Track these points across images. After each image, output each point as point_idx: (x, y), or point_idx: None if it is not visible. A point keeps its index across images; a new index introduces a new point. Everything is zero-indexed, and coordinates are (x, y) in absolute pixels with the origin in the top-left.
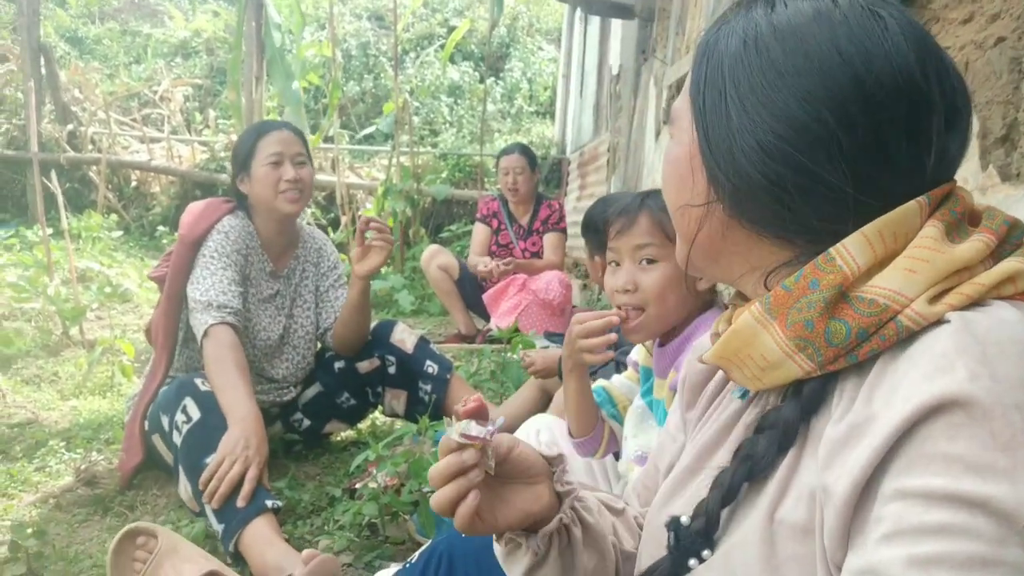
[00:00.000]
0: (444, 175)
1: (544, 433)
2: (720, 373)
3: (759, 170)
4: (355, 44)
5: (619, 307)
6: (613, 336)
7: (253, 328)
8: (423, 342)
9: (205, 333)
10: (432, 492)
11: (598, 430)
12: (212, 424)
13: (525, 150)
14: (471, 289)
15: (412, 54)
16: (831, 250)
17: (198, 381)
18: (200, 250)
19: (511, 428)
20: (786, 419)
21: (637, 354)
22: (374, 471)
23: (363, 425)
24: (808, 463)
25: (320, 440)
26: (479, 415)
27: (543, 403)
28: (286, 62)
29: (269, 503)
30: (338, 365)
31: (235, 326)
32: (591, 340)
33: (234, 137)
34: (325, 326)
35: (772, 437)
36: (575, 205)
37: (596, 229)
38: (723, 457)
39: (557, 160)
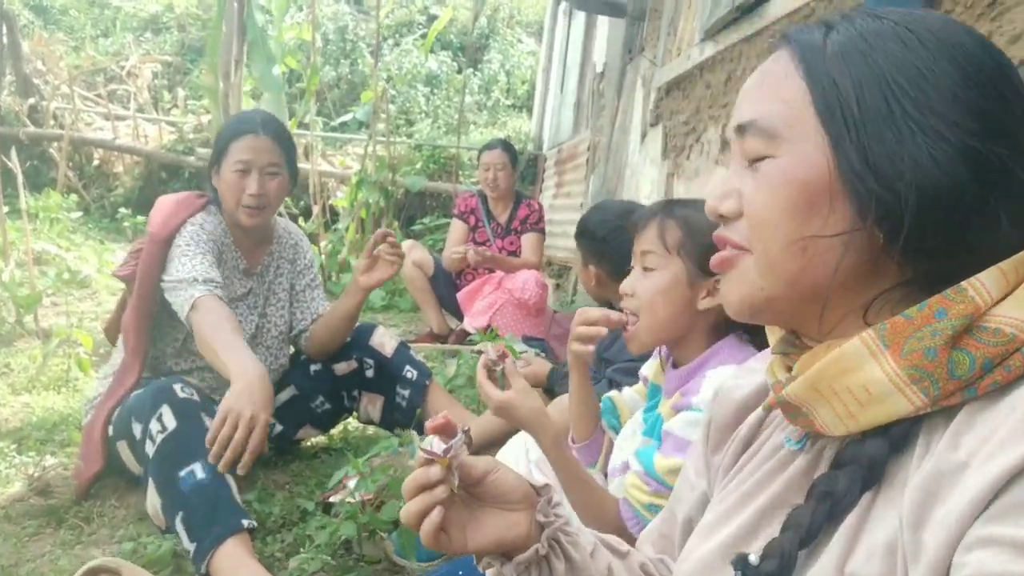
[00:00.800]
0: (418, 166)
1: (535, 451)
2: (753, 418)
3: (948, 178)
4: (333, 28)
5: (623, 311)
6: (603, 330)
7: None
8: (403, 347)
9: (193, 306)
10: None
11: (597, 438)
12: (188, 434)
13: (507, 146)
14: (445, 287)
15: (390, 41)
16: (963, 283)
17: (176, 387)
18: (175, 242)
19: (493, 440)
20: (871, 455)
21: (648, 369)
22: (349, 484)
23: (335, 431)
24: (882, 511)
25: (290, 446)
26: (445, 431)
27: None
28: (267, 45)
29: (245, 522)
30: (314, 368)
31: (223, 299)
32: (583, 328)
33: (204, 119)
34: (300, 328)
35: (854, 474)
36: (551, 203)
37: (592, 237)
38: (770, 504)
39: (533, 156)
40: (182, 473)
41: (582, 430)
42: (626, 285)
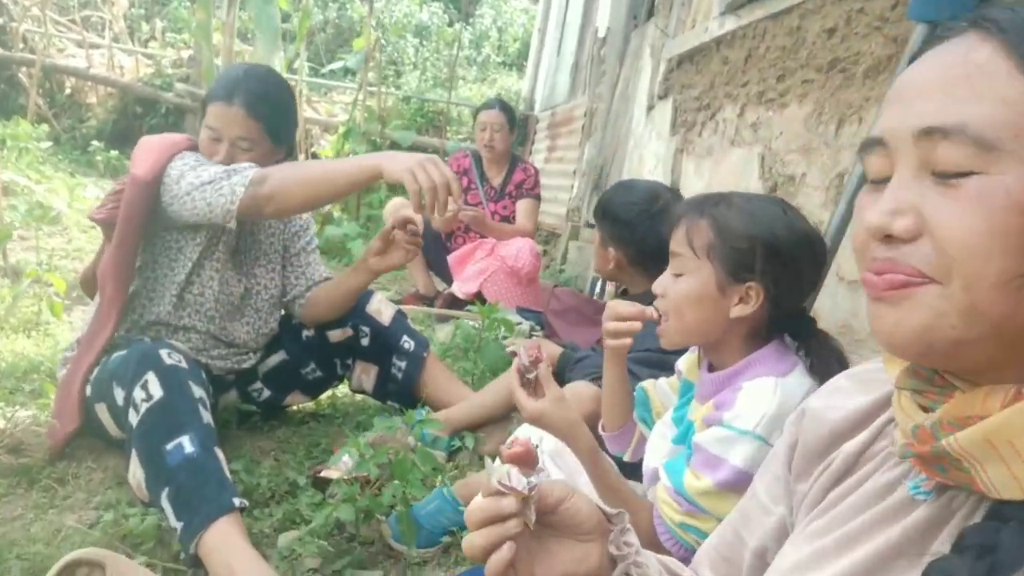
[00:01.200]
0: (406, 119)
1: (548, 440)
2: (851, 447)
3: None
4: None
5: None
6: (637, 325)
7: (216, 282)
8: (400, 315)
9: (252, 181)
10: (418, 499)
11: (628, 428)
12: (176, 405)
13: (505, 107)
14: (435, 248)
15: None
16: None
17: (163, 353)
18: (173, 164)
19: (493, 418)
20: None
21: (683, 363)
22: (346, 463)
23: (323, 397)
24: None
25: (277, 412)
26: (525, 462)
27: None
28: None
29: (236, 501)
30: (306, 333)
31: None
32: (615, 324)
33: (184, 54)
34: (294, 293)
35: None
36: (542, 167)
37: (615, 219)
38: (886, 553)
39: (524, 117)
40: (169, 446)
41: (615, 419)
42: (658, 284)
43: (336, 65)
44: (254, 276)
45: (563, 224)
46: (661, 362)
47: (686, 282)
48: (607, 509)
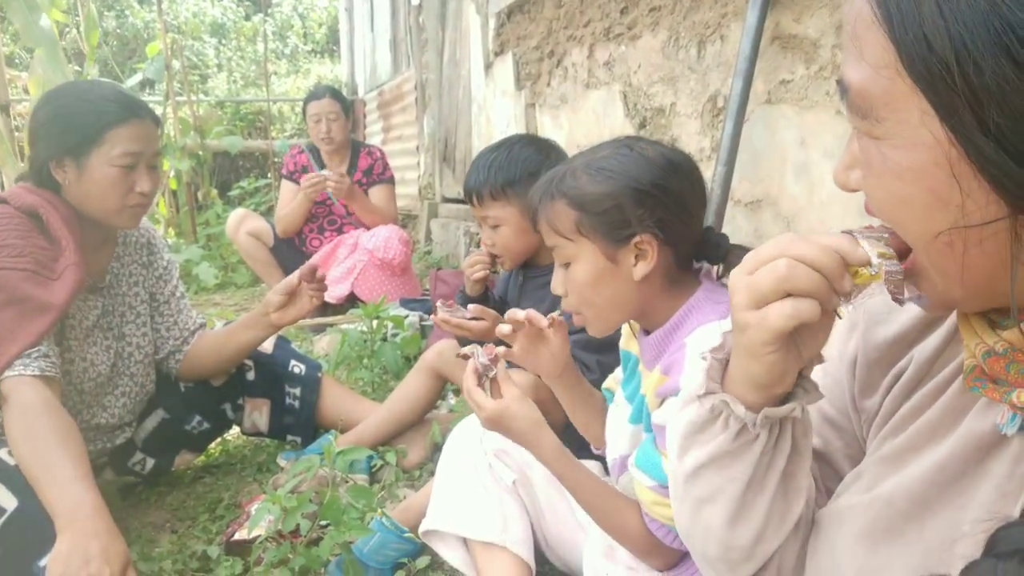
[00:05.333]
0: (224, 126)
1: (491, 440)
2: (922, 352)
3: None
4: None
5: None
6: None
7: (77, 367)
8: (282, 340)
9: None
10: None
11: None
12: (38, 510)
13: (335, 93)
14: (290, 255)
15: None
16: None
17: (2, 453)
18: None
19: (404, 429)
20: None
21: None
22: (252, 510)
23: (211, 446)
24: None
25: (163, 476)
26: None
27: (438, 392)
28: None
29: None
30: (185, 384)
31: (48, 376)
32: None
33: None
34: (170, 348)
35: None
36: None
37: (517, 182)
38: (965, 495)
39: (350, 102)
40: (42, 562)
41: (596, 431)
42: (555, 285)
43: (135, 79)
44: (123, 338)
45: (417, 204)
46: (602, 343)
47: (576, 269)
48: None
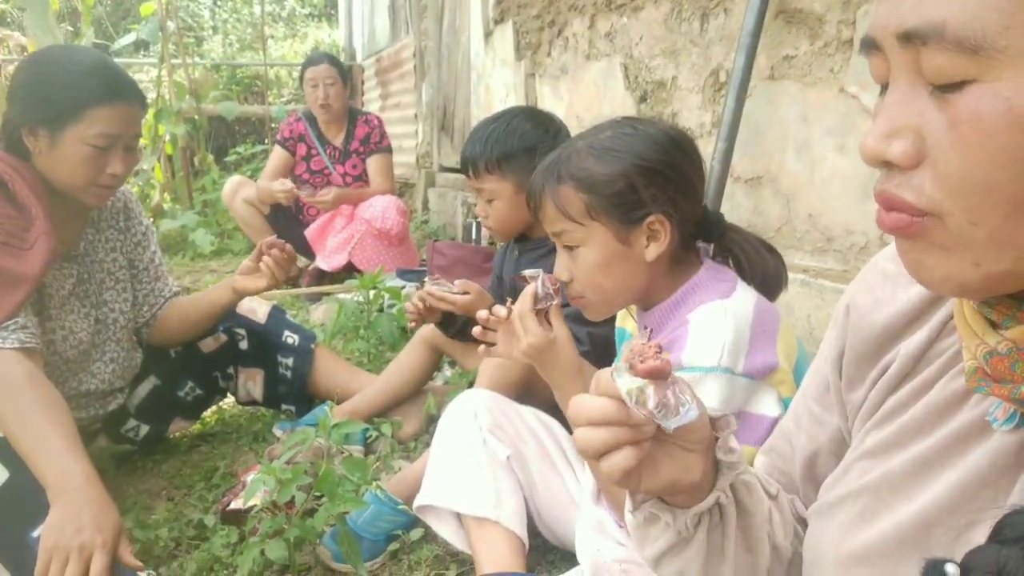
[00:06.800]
0: (220, 90)
1: (485, 415)
2: (907, 347)
3: None
4: None
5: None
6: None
7: (58, 335)
8: (276, 310)
9: None
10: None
11: None
12: (29, 484)
13: (333, 59)
14: (287, 223)
15: None
16: None
17: None
18: None
19: (400, 401)
20: None
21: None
22: (247, 479)
23: (207, 414)
24: None
25: (159, 444)
26: (661, 376)
27: (434, 364)
28: None
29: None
30: (175, 350)
31: (29, 347)
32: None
33: None
34: (144, 319)
35: None
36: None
37: (515, 155)
38: (964, 483)
39: (348, 68)
40: (36, 532)
41: None
42: (560, 270)
43: (127, 39)
44: (104, 304)
45: (414, 172)
46: None
47: (585, 254)
48: (713, 414)
